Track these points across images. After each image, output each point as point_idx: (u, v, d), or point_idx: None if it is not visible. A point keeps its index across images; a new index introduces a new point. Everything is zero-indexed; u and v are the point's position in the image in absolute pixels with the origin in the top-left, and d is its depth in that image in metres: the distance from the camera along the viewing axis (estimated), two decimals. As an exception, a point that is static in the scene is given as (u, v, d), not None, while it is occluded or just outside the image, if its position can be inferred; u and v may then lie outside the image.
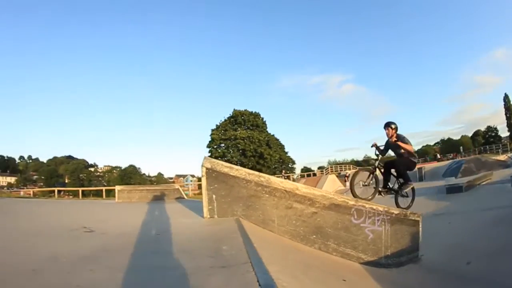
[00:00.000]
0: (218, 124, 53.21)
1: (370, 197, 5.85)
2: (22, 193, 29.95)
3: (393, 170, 6.47)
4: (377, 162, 6.33)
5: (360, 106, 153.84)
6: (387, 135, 6.34)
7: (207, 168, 4.49)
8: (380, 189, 6.24)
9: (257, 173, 4.57)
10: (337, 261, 4.19)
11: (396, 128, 6.30)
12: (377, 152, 6.40)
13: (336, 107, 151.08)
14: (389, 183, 6.46)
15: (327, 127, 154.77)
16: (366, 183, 6.11)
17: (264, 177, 4.46)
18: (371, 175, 6.12)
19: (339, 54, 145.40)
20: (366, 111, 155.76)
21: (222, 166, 4.52)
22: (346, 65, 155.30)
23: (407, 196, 6.62)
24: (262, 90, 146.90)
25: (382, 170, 6.44)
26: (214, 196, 4.49)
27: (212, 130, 52.50)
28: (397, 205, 6.26)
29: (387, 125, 6.32)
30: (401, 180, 6.48)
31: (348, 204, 4.49)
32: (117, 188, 11.77)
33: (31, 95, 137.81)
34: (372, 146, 6.42)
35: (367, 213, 4.55)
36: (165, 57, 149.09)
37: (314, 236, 4.36)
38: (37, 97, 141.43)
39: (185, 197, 11.94)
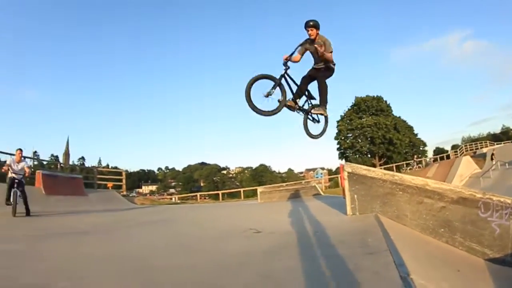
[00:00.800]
0: (343, 114, 51.38)
1: (274, 111, 4.98)
2: (173, 199, 31.52)
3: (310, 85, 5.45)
4: (285, 69, 5.11)
5: (487, 66, 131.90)
6: (310, 37, 5.10)
7: (348, 172, 5.23)
8: (287, 102, 5.15)
9: (391, 172, 5.06)
10: (462, 255, 4.19)
11: (318, 27, 5.07)
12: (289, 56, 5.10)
13: (459, 72, 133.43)
14: (298, 99, 5.41)
15: (454, 99, 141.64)
16: (269, 94, 4.93)
17: (398, 176, 4.89)
18: (276, 85, 4.99)
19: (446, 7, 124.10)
20: (495, 70, 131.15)
21: (361, 169, 5.19)
22: (458, 18, 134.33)
23: (318, 122, 5.76)
24: (376, 72, 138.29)
25: (293, 81, 5.31)
26: (355, 196, 5.20)
27: (338, 121, 50.98)
28: (305, 129, 5.64)
29: (309, 25, 5.03)
30: (313, 102, 5.57)
31: (476, 197, 4.38)
32: (259, 189, 13.10)
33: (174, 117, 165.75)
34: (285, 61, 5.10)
35: (495, 206, 4.33)
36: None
37: (442, 229, 4.50)
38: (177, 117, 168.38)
39: (321, 193, 12.30)
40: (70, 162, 57.86)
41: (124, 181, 18.35)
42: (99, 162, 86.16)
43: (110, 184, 19.83)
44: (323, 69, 5.28)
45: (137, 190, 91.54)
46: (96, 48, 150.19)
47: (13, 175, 8.06)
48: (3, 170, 8.68)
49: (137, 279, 2.87)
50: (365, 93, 53.25)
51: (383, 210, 4.97)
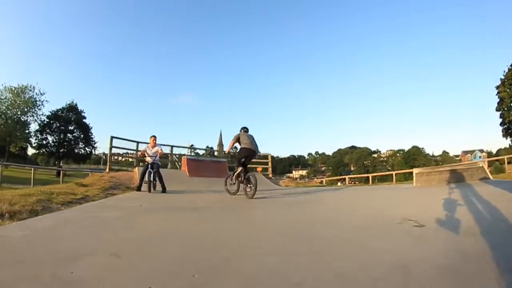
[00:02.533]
0: (502, 77, 38.34)
1: None
2: (322, 182, 30.50)
3: None
4: None
5: None
6: None
7: None
8: None
9: None
10: None
11: None
12: None
13: None
14: None
15: None
16: None
17: None
18: None
19: None
20: None
21: None
22: None
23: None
24: None
25: None
26: None
27: (497, 87, 38.74)
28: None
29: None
30: None
31: None
32: (415, 171, 10.91)
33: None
34: None
35: None
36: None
37: None
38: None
39: (490, 177, 9.63)
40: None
41: (270, 164, 18.77)
42: None
43: (259, 168, 20.85)
44: None
45: (288, 174, 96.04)
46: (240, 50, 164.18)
47: (149, 158, 9.04)
48: (139, 155, 10.44)
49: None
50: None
51: None
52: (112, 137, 13.12)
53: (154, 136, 9.35)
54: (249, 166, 8.18)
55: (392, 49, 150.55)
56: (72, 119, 47.24)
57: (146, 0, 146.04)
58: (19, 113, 40.66)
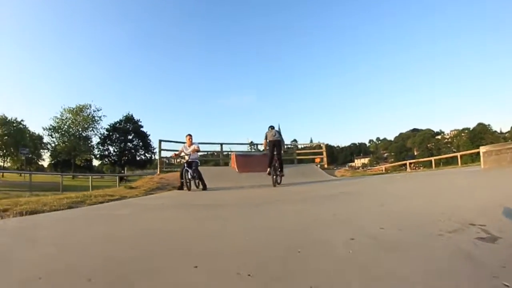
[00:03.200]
0: None
1: None
2: (383, 169, 29.31)
3: None
4: None
5: None
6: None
7: None
8: None
9: None
10: None
11: None
12: None
13: None
14: None
15: None
16: None
17: None
18: None
19: None
20: None
21: None
22: None
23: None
24: None
25: None
26: None
27: None
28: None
29: None
30: None
31: None
32: (482, 149, 9.20)
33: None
34: None
35: None
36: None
37: None
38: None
39: None
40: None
41: (324, 154, 17.92)
42: (311, 140, 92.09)
43: (317, 159, 20.23)
44: None
45: (350, 164, 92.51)
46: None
47: (186, 157, 8.89)
48: (173, 155, 10.81)
49: None
50: None
51: None
52: (160, 141, 13.67)
53: (190, 135, 9.34)
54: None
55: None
56: (130, 129, 51.01)
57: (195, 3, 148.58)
58: (80, 129, 46.05)
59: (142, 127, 52.70)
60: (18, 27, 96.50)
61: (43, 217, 4.19)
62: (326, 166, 17.23)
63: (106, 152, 50.15)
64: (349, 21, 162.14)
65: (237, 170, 11.94)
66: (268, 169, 9.39)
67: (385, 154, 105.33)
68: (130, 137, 51.04)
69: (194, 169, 8.58)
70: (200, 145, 9.34)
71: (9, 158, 46.50)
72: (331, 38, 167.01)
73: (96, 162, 58.43)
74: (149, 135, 52.69)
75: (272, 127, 9.89)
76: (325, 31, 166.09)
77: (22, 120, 47.49)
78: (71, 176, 36.25)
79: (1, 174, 26.41)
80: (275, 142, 9.48)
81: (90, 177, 21.90)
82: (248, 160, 12.87)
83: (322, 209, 4.14)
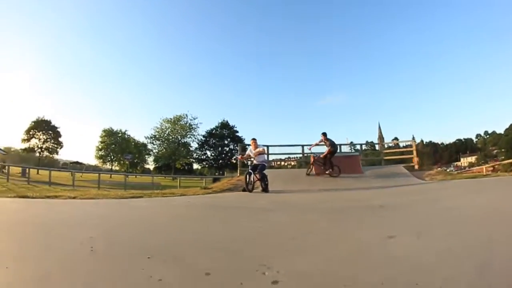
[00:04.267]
0: None
1: None
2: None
3: None
4: None
5: None
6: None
7: None
8: None
9: None
10: None
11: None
12: None
13: None
14: None
15: None
16: None
17: None
18: None
19: None
20: None
21: None
22: None
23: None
24: None
25: None
26: None
27: None
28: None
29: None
30: None
31: None
32: None
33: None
34: None
35: None
36: None
37: None
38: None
39: None
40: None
41: (414, 153, 16.16)
42: (413, 138, 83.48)
43: (414, 160, 18.08)
44: None
45: (455, 163, 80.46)
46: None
47: (252, 159, 9.50)
48: (239, 158, 12.33)
49: None
50: None
51: None
52: (240, 145, 15.38)
53: (254, 139, 9.84)
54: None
55: None
56: (225, 134, 55.07)
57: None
58: (179, 137, 52.92)
59: (237, 132, 56.31)
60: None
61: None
62: (417, 167, 15.54)
63: (204, 156, 55.36)
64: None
65: (313, 172, 11.76)
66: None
67: (495, 151, 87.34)
68: (226, 142, 55.14)
69: (258, 172, 8.89)
70: (272, 147, 9.72)
71: (116, 162, 55.74)
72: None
73: (196, 165, 64.37)
74: (244, 139, 55.65)
75: (324, 134, 11.46)
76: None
77: (126, 131, 57.39)
78: (171, 177, 41.55)
79: (110, 175, 32.11)
80: (331, 151, 11.20)
81: (179, 179, 25.08)
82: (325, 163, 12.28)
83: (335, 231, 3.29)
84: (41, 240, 2.77)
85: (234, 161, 53.96)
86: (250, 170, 9.00)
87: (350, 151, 25.56)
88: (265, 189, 8.78)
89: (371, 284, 1.62)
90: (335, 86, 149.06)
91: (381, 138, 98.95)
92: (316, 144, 11.88)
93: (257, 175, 8.84)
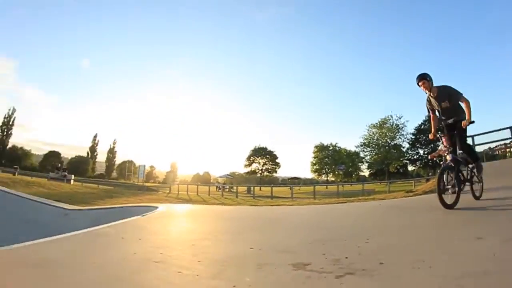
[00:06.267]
0: None
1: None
2: None
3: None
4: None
5: None
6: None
7: None
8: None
9: None
10: None
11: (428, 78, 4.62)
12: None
13: None
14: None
15: None
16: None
17: None
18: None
19: None
20: None
21: None
22: None
23: (479, 182, 4.80)
24: None
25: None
26: None
27: None
28: (476, 197, 4.77)
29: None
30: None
31: None
32: None
33: None
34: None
35: None
36: None
37: None
38: None
39: None
40: None
41: None
42: None
43: None
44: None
45: None
46: None
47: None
48: (430, 157, 8.80)
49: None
50: None
51: None
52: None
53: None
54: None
55: None
56: None
57: None
58: (388, 140, 51.71)
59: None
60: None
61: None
62: None
63: (416, 156, 51.35)
64: None
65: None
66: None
67: None
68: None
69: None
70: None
71: (331, 173, 59.26)
72: None
73: (411, 167, 60.22)
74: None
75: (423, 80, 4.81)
76: None
77: (336, 143, 59.44)
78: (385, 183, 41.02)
79: (326, 186, 35.87)
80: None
81: (387, 183, 26.31)
82: None
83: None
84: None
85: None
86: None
87: None
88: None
89: None
90: None
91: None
92: None
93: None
